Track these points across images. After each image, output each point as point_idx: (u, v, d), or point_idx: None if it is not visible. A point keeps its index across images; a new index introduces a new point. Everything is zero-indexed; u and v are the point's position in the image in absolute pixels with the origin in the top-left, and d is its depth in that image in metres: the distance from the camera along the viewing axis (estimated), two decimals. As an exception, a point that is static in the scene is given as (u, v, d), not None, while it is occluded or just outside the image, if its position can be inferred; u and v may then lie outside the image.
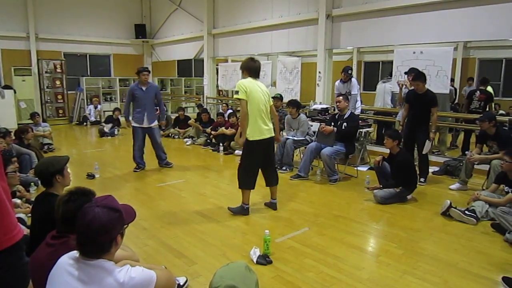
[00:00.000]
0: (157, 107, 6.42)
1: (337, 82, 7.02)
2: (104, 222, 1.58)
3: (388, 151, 4.96)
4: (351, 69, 6.80)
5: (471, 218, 4.03)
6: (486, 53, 11.74)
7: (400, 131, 5.45)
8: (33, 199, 3.88)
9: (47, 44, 12.10)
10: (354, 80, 6.76)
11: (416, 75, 5.37)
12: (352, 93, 6.56)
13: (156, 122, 6.25)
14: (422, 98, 5.33)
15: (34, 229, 2.59)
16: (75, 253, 1.65)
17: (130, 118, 6.20)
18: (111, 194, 1.78)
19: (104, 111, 12.88)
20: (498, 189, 4.33)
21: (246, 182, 4.20)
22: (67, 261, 1.65)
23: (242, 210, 4.26)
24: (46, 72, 12.05)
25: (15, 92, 11.13)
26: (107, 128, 9.98)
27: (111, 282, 1.58)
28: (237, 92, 4.02)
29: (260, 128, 4.05)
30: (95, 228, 1.57)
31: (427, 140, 5.31)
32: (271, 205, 4.47)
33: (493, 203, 4.08)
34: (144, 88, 6.04)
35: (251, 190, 4.26)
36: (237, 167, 4.29)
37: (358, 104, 6.85)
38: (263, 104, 4.07)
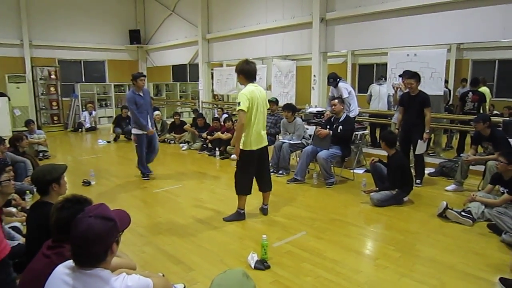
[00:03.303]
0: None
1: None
2: (98, 232, 1.56)
3: (384, 153, 4.98)
4: (332, 78, 6.72)
5: (468, 219, 4.05)
6: (479, 54, 11.82)
7: (396, 134, 5.47)
8: (28, 207, 3.85)
9: (41, 51, 12.05)
10: (341, 84, 6.75)
11: (411, 74, 5.39)
12: (343, 97, 6.58)
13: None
14: (415, 99, 5.37)
15: (29, 238, 2.57)
16: (71, 262, 1.63)
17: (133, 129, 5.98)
18: (103, 203, 1.76)
19: (99, 117, 12.85)
20: (494, 189, 4.35)
21: (243, 189, 4.20)
22: (63, 270, 1.63)
23: (238, 216, 4.25)
24: (40, 79, 11.99)
25: (9, 99, 11.06)
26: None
27: (108, 291, 1.56)
28: (239, 104, 3.89)
29: (257, 138, 4.04)
30: (90, 239, 1.55)
31: (419, 140, 5.33)
32: (263, 210, 4.47)
33: (489, 204, 4.10)
34: (142, 94, 5.89)
35: (248, 196, 4.26)
36: (233, 171, 4.28)
37: (353, 106, 6.86)
38: (262, 113, 4.06)
